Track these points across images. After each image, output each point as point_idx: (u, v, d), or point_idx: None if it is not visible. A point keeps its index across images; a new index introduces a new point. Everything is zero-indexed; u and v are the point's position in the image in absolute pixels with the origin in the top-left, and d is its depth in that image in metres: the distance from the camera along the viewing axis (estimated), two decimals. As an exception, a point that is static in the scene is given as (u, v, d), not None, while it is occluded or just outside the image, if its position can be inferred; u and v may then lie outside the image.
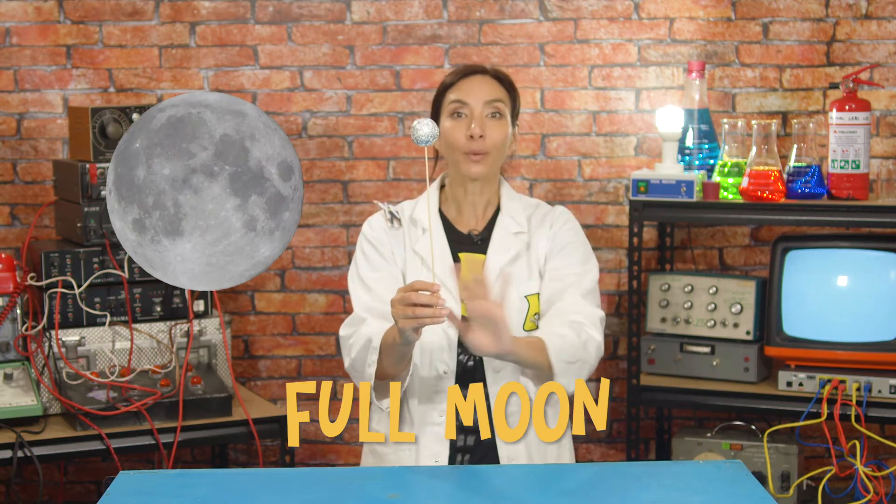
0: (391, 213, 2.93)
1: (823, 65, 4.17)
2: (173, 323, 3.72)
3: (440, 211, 2.97)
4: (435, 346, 2.83)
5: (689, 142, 3.99)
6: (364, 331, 2.80)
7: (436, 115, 2.94)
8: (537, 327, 2.88)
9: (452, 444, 2.85)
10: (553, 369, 2.74)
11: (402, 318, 2.57)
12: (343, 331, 2.88)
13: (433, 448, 2.83)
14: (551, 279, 2.93)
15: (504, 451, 2.84)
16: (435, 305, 2.53)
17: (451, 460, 2.86)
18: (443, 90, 2.93)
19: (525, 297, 2.89)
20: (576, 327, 2.82)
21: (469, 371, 2.85)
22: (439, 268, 2.87)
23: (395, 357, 2.73)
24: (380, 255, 2.92)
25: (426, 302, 2.54)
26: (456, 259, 2.91)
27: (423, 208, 2.94)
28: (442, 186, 3.01)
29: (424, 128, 2.53)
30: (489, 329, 2.63)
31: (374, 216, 2.98)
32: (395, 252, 2.92)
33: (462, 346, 2.84)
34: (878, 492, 3.60)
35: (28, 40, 4.14)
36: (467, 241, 2.94)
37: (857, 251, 3.83)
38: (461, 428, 2.83)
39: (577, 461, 4.26)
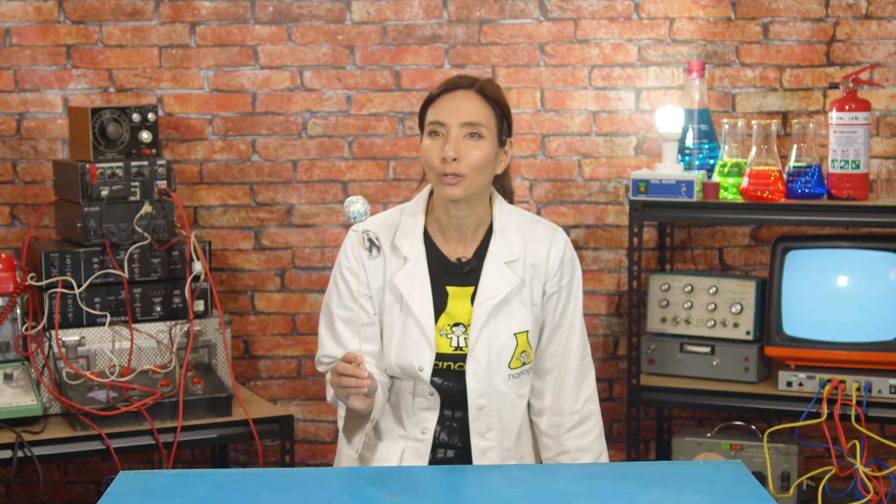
0: (370, 240, 2.80)
1: (823, 65, 4.17)
2: (173, 323, 3.72)
3: (426, 231, 2.83)
4: (412, 381, 2.80)
5: (689, 142, 3.99)
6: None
7: (421, 128, 2.81)
8: (523, 364, 2.82)
9: (433, 457, 2.82)
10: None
11: (336, 387, 2.57)
12: (319, 368, 2.89)
13: (413, 463, 2.81)
14: (558, 340, 2.88)
15: (477, 461, 2.83)
16: (358, 376, 2.51)
17: None
18: (425, 105, 2.80)
19: (514, 334, 2.80)
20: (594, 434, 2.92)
21: (451, 397, 2.80)
22: (418, 309, 2.78)
23: (354, 413, 2.71)
24: (351, 294, 2.82)
25: (351, 373, 2.52)
26: (443, 293, 2.80)
27: (406, 231, 2.82)
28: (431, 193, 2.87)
29: (354, 205, 2.52)
30: None
31: (347, 243, 2.84)
32: (371, 284, 2.80)
33: (446, 379, 2.79)
34: (878, 492, 3.61)
35: (28, 40, 4.14)
36: (455, 272, 2.82)
37: (857, 251, 3.83)
38: (442, 443, 2.83)
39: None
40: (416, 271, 2.79)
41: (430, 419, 2.81)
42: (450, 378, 2.79)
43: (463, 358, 2.78)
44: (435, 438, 2.82)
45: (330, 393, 2.80)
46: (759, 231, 4.27)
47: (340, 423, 2.74)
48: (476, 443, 2.80)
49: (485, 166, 2.75)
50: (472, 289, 2.80)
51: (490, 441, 2.81)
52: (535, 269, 2.83)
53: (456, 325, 2.80)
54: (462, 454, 2.83)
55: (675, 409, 4.23)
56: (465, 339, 2.79)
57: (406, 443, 2.82)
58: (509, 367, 2.80)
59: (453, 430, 2.82)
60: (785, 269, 3.85)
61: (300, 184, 4.25)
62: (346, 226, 4.25)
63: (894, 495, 3.63)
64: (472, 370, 2.77)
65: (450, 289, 2.81)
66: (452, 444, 2.84)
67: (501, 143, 2.81)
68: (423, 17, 4.20)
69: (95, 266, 3.66)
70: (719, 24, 4.18)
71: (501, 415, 2.82)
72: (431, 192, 2.86)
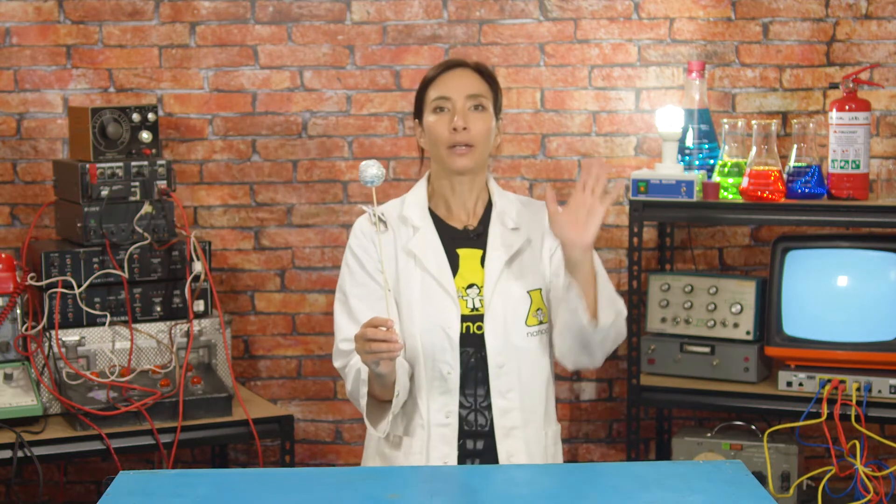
0: (378, 216, 2.89)
1: (823, 65, 4.17)
2: (173, 323, 3.72)
3: (429, 209, 2.94)
4: (437, 348, 2.82)
5: (689, 142, 3.99)
6: (353, 362, 2.80)
7: (419, 112, 2.94)
8: (540, 322, 2.87)
9: (461, 447, 2.84)
10: (598, 302, 2.75)
11: (362, 353, 2.63)
12: (336, 363, 2.89)
13: (441, 450, 2.83)
14: None
15: (503, 448, 2.85)
16: (390, 340, 2.57)
17: (461, 463, 2.85)
18: (424, 86, 2.92)
19: (528, 292, 2.87)
20: None
21: (472, 369, 2.84)
22: (435, 268, 2.86)
23: (378, 385, 2.75)
24: (364, 270, 2.89)
25: (381, 338, 2.57)
26: (454, 255, 2.89)
27: (412, 205, 2.93)
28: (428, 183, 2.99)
29: (370, 169, 2.69)
30: (580, 218, 2.67)
31: (360, 221, 2.94)
32: (384, 259, 2.86)
33: (464, 345, 2.84)
34: (878, 492, 3.60)
35: (28, 40, 4.14)
36: (463, 237, 2.92)
37: (857, 251, 3.82)
38: (470, 433, 2.85)
39: (576, 461, 4.28)
40: (428, 237, 2.90)
41: (452, 402, 2.83)
42: (470, 343, 2.83)
43: (481, 318, 2.84)
44: (462, 421, 2.83)
45: (349, 385, 2.82)
46: (759, 231, 4.27)
47: (363, 402, 2.76)
48: (497, 403, 2.83)
49: (489, 137, 2.89)
50: (481, 252, 2.90)
51: (511, 401, 2.84)
52: (538, 229, 2.92)
53: (470, 286, 2.87)
54: (490, 444, 2.85)
55: (675, 409, 4.23)
56: (480, 300, 2.86)
57: (432, 430, 2.83)
58: (526, 324, 2.86)
59: (478, 410, 2.84)
60: (785, 269, 3.85)
61: (300, 184, 4.25)
62: (347, 226, 4.25)
63: (894, 495, 3.63)
64: (490, 328, 2.84)
65: (460, 251, 2.90)
66: (479, 428, 2.85)
67: (497, 119, 2.95)
68: (423, 17, 4.20)
69: (95, 266, 3.66)
70: (719, 24, 4.18)
71: (522, 374, 2.85)
72: (429, 181, 2.98)
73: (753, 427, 3.96)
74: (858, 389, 3.70)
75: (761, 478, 3.79)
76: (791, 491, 3.82)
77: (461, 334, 2.83)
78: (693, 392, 3.90)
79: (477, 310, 2.85)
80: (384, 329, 2.58)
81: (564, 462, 4.27)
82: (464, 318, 2.84)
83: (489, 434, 2.85)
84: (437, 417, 2.83)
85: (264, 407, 3.77)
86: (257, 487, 2.45)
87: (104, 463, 4.17)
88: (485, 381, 2.84)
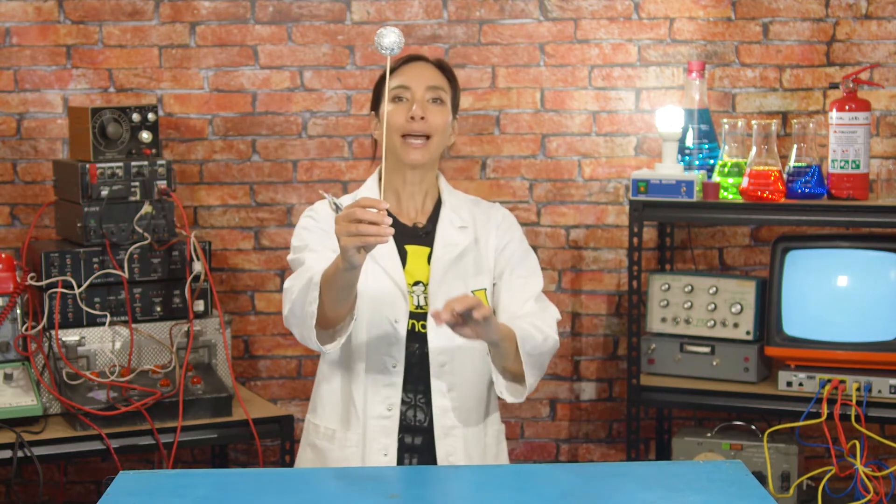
0: (336, 204, 2.85)
1: (823, 65, 4.17)
2: (173, 323, 3.72)
3: None
4: (383, 342, 2.81)
5: (689, 142, 3.99)
6: (307, 274, 2.69)
7: (376, 103, 2.94)
8: None
9: (401, 441, 2.84)
10: (521, 358, 2.73)
11: (346, 235, 2.45)
12: (287, 283, 2.77)
13: (382, 441, 2.83)
14: (507, 290, 2.90)
15: (442, 447, 2.84)
16: (381, 223, 2.41)
17: (400, 460, 2.85)
18: (384, 77, 2.86)
19: (472, 292, 2.85)
20: (536, 326, 2.79)
21: (416, 364, 2.83)
22: (387, 261, 2.84)
23: (337, 290, 2.59)
24: (324, 231, 2.83)
25: (371, 219, 2.42)
26: (402, 251, 2.87)
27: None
28: (380, 179, 2.95)
29: (391, 35, 2.55)
30: (469, 325, 2.59)
31: (317, 205, 2.93)
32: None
33: (408, 341, 2.82)
34: (878, 492, 3.60)
35: (28, 40, 4.14)
36: (412, 234, 2.90)
37: (857, 251, 3.83)
38: (409, 427, 2.85)
39: (576, 461, 4.27)
40: None
41: (395, 395, 2.82)
42: (414, 339, 2.83)
43: (425, 316, 2.83)
44: (401, 417, 2.83)
45: (295, 293, 2.68)
46: (759, 231, 4.27)
47: (312, 308, 2.61)
48: (437, 402, 2.83)
49: (445, 132, 2.90)
50: (428, 249, 2.89)
51: (452, 400, 2.84)
52: (486, 229, 2.92)
53: (416, 283, 2.86)
54: (429, 442, 2.84)
55: (675, 409, 4.23)
56: (424, 297, 2.85)
57: (369, 422, 2.83)
58: None
59: (418, 407, 2.85)
60: (785, 269, 3.85)
61: (300, 184, 4.25)
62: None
63: (894, 495, 3.63)
64: (432, 327, 2.81)
65: (408, 247, 2.88)
66: (418, 424, 2.85)
67: (453, 117, 2.95)
68: (423, 17, 4.20)
69: (95, 266, 3.66)
70: (719, 24, 4.18)
71: (464, 374, 2.85)
72: (380, 176, 2.94)
73: (753, 427, 3.97)
74: (858, 389, 3.70)
75: (761, 478, 3.80)
76: (791, 491, 3.82)
77: (408, 330, 2.82)
78: (693, 392, 3.90)
79: (422, 308, 2.84)
80: (374, 211, 2.44)
81: (565, 462, 4.28)
82: (410, 315, 2.83)
83: (428, 431, 2.85)
84: (377, 409, 2.83)
85: (264, 407, 3.77)
86: (257, 487, 2.45)
87: (104, 463, 4.17)
88: (426, 378, 2.83)
